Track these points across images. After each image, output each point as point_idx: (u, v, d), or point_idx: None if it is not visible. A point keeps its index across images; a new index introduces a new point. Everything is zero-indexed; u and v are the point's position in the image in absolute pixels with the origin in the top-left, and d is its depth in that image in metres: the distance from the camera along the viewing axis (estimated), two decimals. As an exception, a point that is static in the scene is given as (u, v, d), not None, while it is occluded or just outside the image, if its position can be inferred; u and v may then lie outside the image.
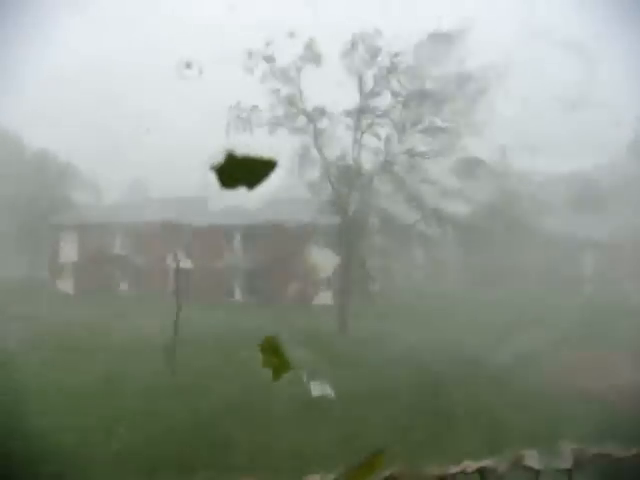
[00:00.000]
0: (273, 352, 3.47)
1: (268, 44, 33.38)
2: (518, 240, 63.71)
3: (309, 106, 34.69)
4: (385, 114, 34.90)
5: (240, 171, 2.74)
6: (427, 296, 52.28)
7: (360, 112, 34.72)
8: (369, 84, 34.62)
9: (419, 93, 34.28)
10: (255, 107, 34.18)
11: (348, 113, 34.80)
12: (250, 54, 33.67)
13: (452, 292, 57.24)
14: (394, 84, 34.62)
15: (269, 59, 33.88)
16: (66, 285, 56.39)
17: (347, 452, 15.23)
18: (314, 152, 35.20)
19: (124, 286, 56.21)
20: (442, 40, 33.61)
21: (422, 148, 34.97)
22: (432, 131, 34.63)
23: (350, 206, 35.17)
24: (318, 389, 19.42)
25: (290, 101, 34.49)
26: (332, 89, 34.25)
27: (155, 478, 14.21)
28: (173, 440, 16.11)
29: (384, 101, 35.06)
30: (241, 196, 71.24)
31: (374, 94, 34.63)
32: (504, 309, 41.33)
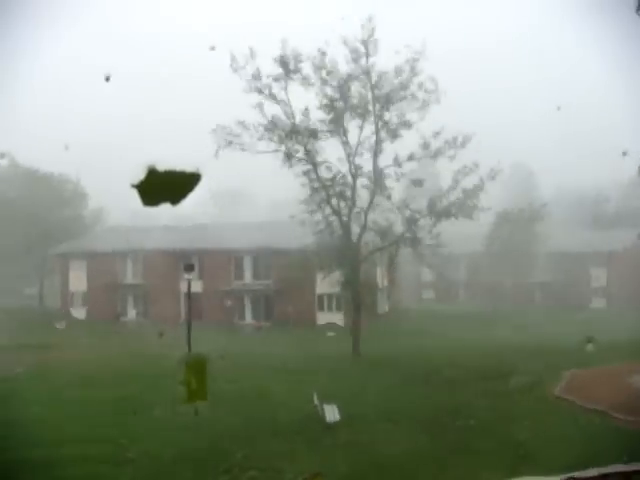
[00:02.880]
0: (196, 374, 3.40)
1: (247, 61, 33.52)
2: (529, 255, 63.64)
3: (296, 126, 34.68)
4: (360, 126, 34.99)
5: (163, 186, 2.62)
6: (437, 314, 52.16)
7: (340, 127, 34.78)
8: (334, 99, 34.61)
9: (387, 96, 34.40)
10: (243, 125, 34.20)
11: (331, 130, 34.82)
12: (234, 68, 33.71)
13: (462, 309, 57.12)
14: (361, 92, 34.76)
15: (255, 76, 33.94)
16: (78, 313, 56.54)
17: (361, 474, 15.18)
18: (310, 174, 35.16)
19: (133, 313, 56.28)
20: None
21: (417, 153, 34.92)
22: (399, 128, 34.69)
23: (352, 226, 35.16)
24: (330, 412, 19.36)
25: (277, 122, 34.56)
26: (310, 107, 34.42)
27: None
28: (186, 466, 16.05)
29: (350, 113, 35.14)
30: (246, 217, 71.41)
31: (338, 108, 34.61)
32: (517, 326, 41.21)
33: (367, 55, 33.82)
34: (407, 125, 34.53)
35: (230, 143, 34.18)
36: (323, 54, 33.63)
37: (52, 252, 59.34)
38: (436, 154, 34.49)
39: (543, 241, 62.03)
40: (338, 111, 34.39)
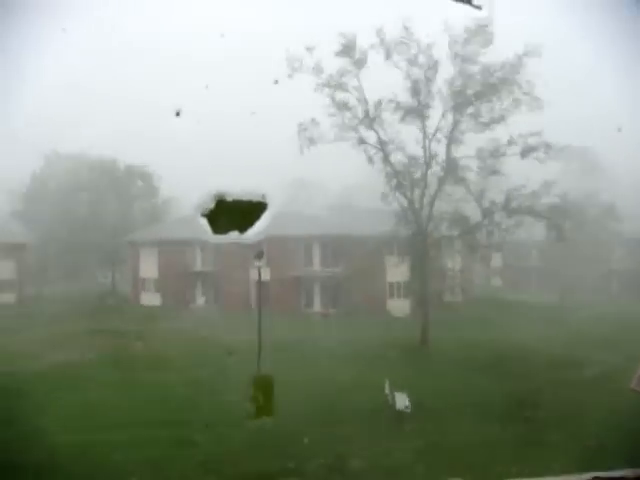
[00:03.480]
0: (263, 392, 3.44)
1: (309, 49, 33.37)
2: (598, 242, 61.89)
3: (369, 113, 34.49)
4: (442, 115, 34.59)
5: (231, 215, 2.67)
6: (507, 303, 51.33)
7: (419, 115, 34.43)
8: (420, 84, 34.21)
9: (474, 86, 33.90)
10: (315, 121, 34.25)
11: (405, 116, 34.52)
12: (294, 66, 33.62)
13: (533, 298, 56.05)
14: (444, 80, 34.31)
15: (317, 69, 33.84)
16: (148, 299, 57.68)
17: (428, 463, 15.11)
18: (380, 161, 35.03)
19: (202, 300, 57.05)
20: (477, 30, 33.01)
21: (485, 143, 34.43)
22: (491, 123, 34.13)
23: (423, 214, 34.89)
24: (400, 400, 19.33)
25: (349, 109, 34.43)
26: (385, 94, 34.13)
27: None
28: (255, 450, 16.24)
29: (439, 101, 34.74)
30: (317, 207, 71.64)
31: (427, 94, 34.23)
32: (591, 316, 40.25)
33: (469, 43, 33.36)
34: (500, 120, 34.01)
35: (312, 141, 34.34)
36: (409, 34, 33.31)
37: (124, 240, 60.68)
38: (525, 153, 33.85)
39: (619, 227, 60.09)
40: (423, 96, 34.10)
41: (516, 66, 33.10)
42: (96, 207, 61.22)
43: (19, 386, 23.43)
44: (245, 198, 2.53)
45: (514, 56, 33.01)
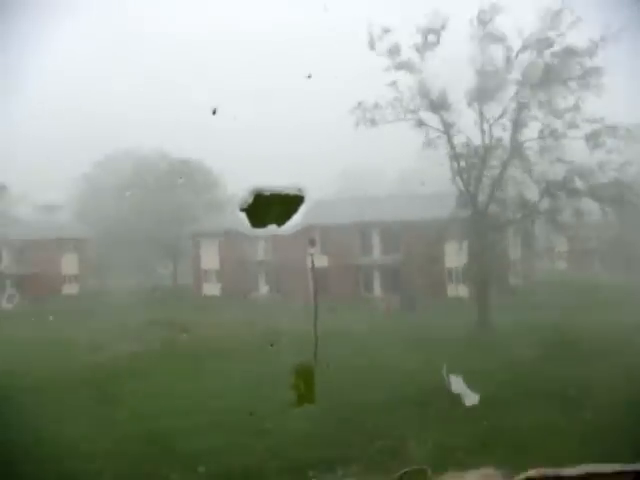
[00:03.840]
0: (305, 380, 3.46)
1: (386, 32, 33.11)
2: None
3: (433, 95, 34.11)
4: (510, 98, 33.99)
5: (269, 209, 2.69)
6: (571, 286, 50.29)
7: (484, 98, 33.88)
8: (489, 67, 33.69)
9: (542, 69, 33.20)
10: (377, 104, 34.03)
11: (471, 101, 34.06)
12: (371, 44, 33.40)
13: (598, 281, 54.75)
14: (515, 63, 33.67)
15: (392, 50, 33.54)
16: (210, 290, 58.49)
17: (489, 448, 14.96)
18: (440, 145, 34.68)
19: (264, 289, 57.54)
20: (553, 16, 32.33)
21: (552, 126, 33.71)
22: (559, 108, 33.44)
23: (481, 197, 34.45)
24: (457, 384, 19.17)
25: (418, 91, 34.08)
26: (450, 77, 33.69)
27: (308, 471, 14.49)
28: (316, 438, 16.32)
29: (507, 85, 34.12)
30: (373, 190, 71.31)
31: (497, 78, 33.69)
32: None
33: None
34: (569, 107, 33.35)
35: (372, 121, 34.20)
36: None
37: (185, 232, 61.55)
38: (590, 138, 33.07)
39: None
40: (491, 80, 33.64)
41: (591, 51, 32.31)
42: (156, 201, 62.16)
43: (85, 376, 24.10)
44: (282, 192, 2.59)
45: (589, 42, 32.31)
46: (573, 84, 33.12)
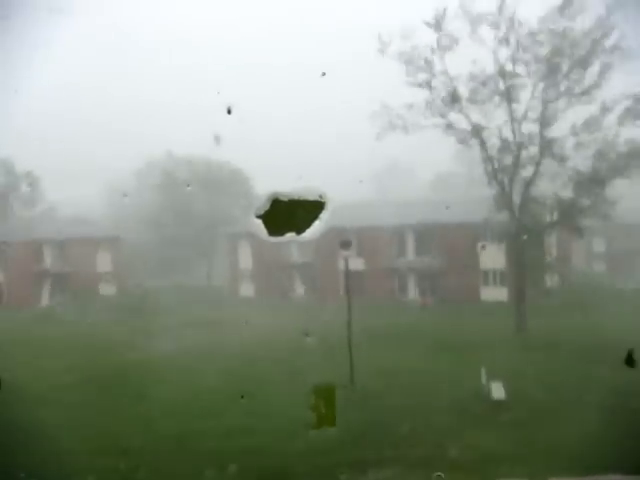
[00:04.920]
0: (326, 401, 3.35)
1: (405, 37, 32.85)
2: None
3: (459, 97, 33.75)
4: (533, 94, 33.48)
5: (287, 216, 2.58)
6: (610, 288, 49.53)
7: (509, 98, 33.43)
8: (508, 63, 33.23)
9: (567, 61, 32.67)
10: (408, 105, 33.80)
11: (499, 100, 33.64)
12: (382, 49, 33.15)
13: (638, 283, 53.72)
14: (537, 56, 33.08)
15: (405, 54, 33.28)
16: (246, 291, 58.75)
17: (526, 455, 14.78)
18: (474, 148, 34.37)
19: (300, 291, 57.64)
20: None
21: (580, 121, 33.05)
22: (584, 94, 32.73)
23: (515, 199, 34.03)
24: (498, 391, 19.01)
25: (437, 93, 33.78)
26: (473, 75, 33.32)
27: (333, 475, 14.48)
28: (350, 441, 16.26)
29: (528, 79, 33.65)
30: (407, 193, 71.10)
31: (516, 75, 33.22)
32: None
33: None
34: (593, 88, 32.58)
35: (392, 125, 33.99)
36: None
37: (221, 233, 61.98)
38: (623, 119, 32.27)
39: None
40: (510, 78, 33.23)
41: (604, 27, 31.60)
42: (192, 202, 62.82)
43: (119, 374, 24.39)
44: (301, 198, 2.50)
45: (598, 18, 31.51)
46: (595, 67, 32.32)
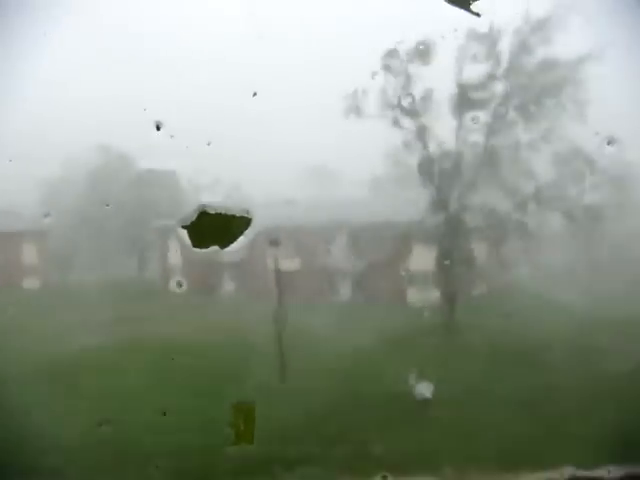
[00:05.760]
0: (245, 419, 3.33)
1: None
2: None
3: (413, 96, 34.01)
4: (485, 104, 34.02)
5: (213, 229, 2.54)
6: (538, 296, 50.66)
7: (461, 104, 33.90)
8: (469, 73, 33.70)
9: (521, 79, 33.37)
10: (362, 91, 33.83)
11: (448, 105, 34.09)
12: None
13: (561, 291, 55.12)
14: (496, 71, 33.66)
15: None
16: (175, 286, 57.81)
17: (451, 452, 14.98)
18: (415, 147, 34.72)
19: (230, 287, 57.02)
20: (537, 26, 32.43)
21: (524, 138, 33.86)
22: (534, 117, 33.53)
23: (452, 203, 34.56)
24: (424, 390, 19.21)
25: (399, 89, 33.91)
26: (431, 80, 33.57)
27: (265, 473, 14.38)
28: (279, 439, 16.19)
29: (485, 91, 34.15)
30: (343, 194, 71.26)
31: (476, 85, 33.72)
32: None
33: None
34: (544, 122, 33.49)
35: (357, 110, 34.00)
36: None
37: (151, 227, 60.89)
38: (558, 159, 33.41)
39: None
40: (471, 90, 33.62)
41: (572, 67, 32.44)
42: (121, 196, 61.54)
43: (43, 369, 23.72)
44: (229, 212, 2.45)
45: (573, 57, 32.40)
46: (552, 100, 33.18)
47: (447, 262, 35.64)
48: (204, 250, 2.47)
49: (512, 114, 33.92)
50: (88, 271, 58.84)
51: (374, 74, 33.43)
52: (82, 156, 68.33)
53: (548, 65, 33.01)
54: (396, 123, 34.46)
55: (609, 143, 21.05)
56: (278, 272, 29.56)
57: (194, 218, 2.29)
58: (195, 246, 2.30)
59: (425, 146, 34.25)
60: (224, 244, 2.34)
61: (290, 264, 48.67)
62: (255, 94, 14.07)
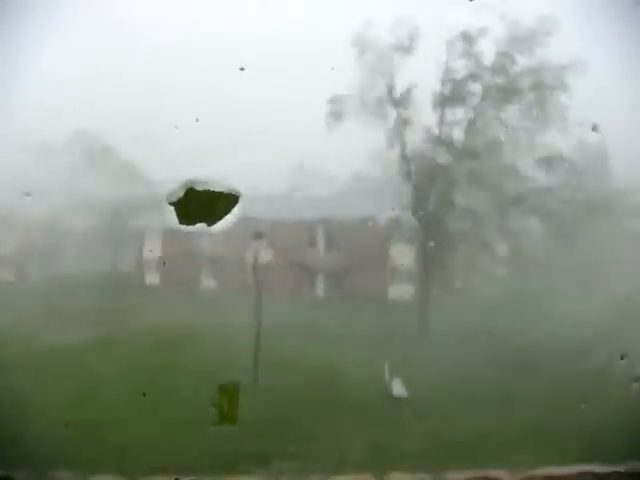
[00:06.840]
0: (229, 399, 3.33)
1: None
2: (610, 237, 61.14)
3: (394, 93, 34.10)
4: (465, 103, 34.18)
5: (200, 206, 2.53)
6: (514, 293, 51.04)
7: (442, 103, 34.04)
8: (451, 75, 33.86)
9: (503, 85, 33.51)
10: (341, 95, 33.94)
11: (430, 103, 34.24)
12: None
13: (541, 288, 55.62)
14: (479, 75, 33.80)
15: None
16: (152, 280, 57.59)
17: (424, 450, 15.05)
18: (395, 144, 34.81)
19: (207, 282, 56.90)
20: (524, 35, 32.60)
21: (503, 139, 34.06)
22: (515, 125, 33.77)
23: (431, 200, 34.68)
24: (398, 388, 19.30)
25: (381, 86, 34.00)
26: (416, 78, 33.69)
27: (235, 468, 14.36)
28: (254, 433, 16.17)
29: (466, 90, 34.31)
30: (319, 189, 71.31)
31: (457, 86, 33.87)
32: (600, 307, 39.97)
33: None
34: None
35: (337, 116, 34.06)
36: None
37: (129, 222, 60.57)
38: (540, 163, 33.71)
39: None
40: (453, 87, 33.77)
41: (555, 76, 32.57)
42: (99, 189, 61.12)
43: (19, 362, 23.51)
44: (217, 189, 2.43)
45: (556, 66, 32.58)
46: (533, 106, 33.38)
47: (425, 260, 35.62)
48: (190, 227, 2.49)
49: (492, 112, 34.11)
50: (65, 265, 58.66)
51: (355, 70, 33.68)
52: (64, 147, 68.08)
53: (532, 66, 33.22)
54: (377, 120, 34.50)
55: (594, 129, 21.44)
56: (257, 266, 29.50)
57: (181, 194, 2.29)
58: (182, 223, 2.30)
59: (404, 144, 34.34)
60: (211, 222, 2.35)
61: (268, 258, 48.64)
62: (242, 69, 14.03)
